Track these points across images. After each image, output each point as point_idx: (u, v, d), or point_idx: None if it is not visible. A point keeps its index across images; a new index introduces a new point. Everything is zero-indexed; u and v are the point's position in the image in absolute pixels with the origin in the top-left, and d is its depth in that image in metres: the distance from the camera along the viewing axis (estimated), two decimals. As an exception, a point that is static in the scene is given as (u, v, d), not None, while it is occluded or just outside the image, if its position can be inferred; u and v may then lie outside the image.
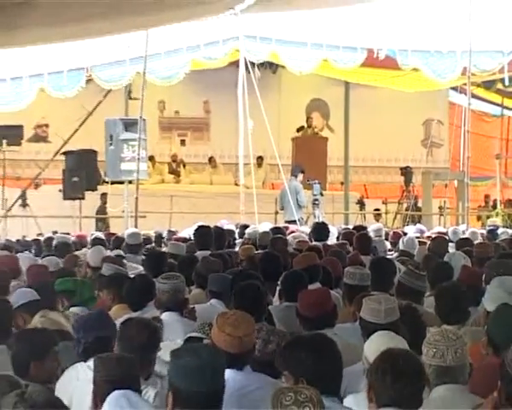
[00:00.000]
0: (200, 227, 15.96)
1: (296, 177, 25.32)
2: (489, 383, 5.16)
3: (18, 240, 18.63)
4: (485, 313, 7.93)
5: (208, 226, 16.23)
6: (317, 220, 23.30)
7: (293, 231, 18.93)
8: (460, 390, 5.81)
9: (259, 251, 13.96)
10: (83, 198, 25.56)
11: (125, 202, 24.72)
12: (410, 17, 24.04)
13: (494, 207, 32.40)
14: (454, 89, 31.60)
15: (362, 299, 7.76)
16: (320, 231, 17.47)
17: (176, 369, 5.14)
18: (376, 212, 31.25)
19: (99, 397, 5.22)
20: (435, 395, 5.86)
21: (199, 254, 13.27)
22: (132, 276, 10.65)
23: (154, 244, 17.23)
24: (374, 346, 6.20)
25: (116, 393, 4.62)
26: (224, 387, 5.33)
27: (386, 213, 30.79)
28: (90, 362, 5.98)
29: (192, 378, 5.11)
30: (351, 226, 21.87)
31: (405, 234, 18.52)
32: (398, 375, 5.26)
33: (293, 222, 23.47)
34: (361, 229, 18.35)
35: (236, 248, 16.06)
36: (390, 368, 5.30)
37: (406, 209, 30.51)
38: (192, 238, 16.52)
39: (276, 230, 18.32)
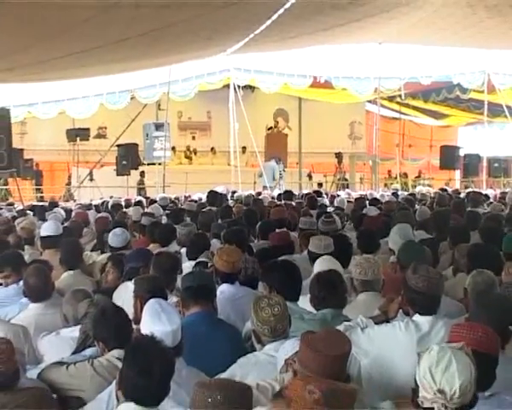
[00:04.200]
0: (211, 191, 16.21)
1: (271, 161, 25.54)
2: (395, 291, 5.16)
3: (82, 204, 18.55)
4: (389, 249, 8.04)
5: (216, 191, 16.55)
6: (281, 188, 23.36)
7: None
8: (375, 295, 5.86)
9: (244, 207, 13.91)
10: (129, 175, 25.47)
11: (156, 177, 24.81)
12: (341, 55, 23.98)
13: (395, 177, 32.46)
14: (369, 101, 31.61)
15: (309, 237, 7.83)
16: (288, 195, 17.64)
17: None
18: (319, 182, 31.16)
19: (140, 303, 5.18)
20: (359, 298, 5.96)
21: (208, 209, 13.23)
22: (162, 224, 10.64)
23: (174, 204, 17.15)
24: (318, 266, 6.34)
25: (152, 300, 4.59)
26: (213, 289, 5.62)
27: (326, 182, 30.72)
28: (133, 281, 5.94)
29: (186, 278, 5.58)
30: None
31: (338, 196, 18.53)
32: (326, 284, 5.44)
33: (265, 188, 23.65)
34: (314, 193, 18.47)
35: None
36: (321, 281, 5.50)
37: (338, 180, 30.48)
38: (200, 200, 16.59)
39: (256, 194, 18.59)
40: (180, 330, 4.41)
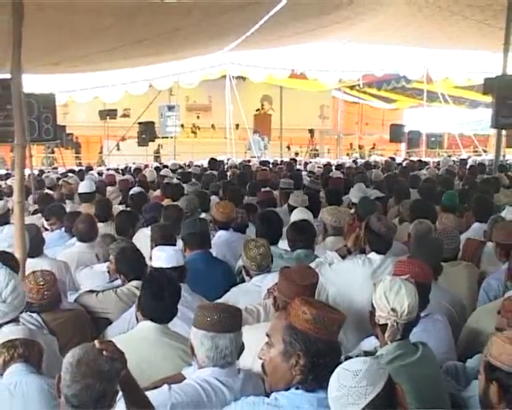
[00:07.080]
0: (211, 159, 16.13)
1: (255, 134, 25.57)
2: (351, 235, 5.16)
3: (111, 168, 18.47)
4: (351, 202, 8.03)
5: (215, 158, 16.42)
6: (264, 157, 23.36)
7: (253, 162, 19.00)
8: (339, 238, 5.85)
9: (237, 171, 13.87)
10: (148, 146, 25.39)
11: (169, 148, 24.78)
12: (313, 52, 23.82)
13: (355, 149, 32.44)
14: (335, 89, 31.37)
15: (289, 194, 7.86)
16: (264, 162, 17.61)
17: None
18: (296, 152, 31.08)
19: (155, 245, 5.17)
20: (328, 240, 5.97)
21: (209, 172, 13.18)
22: (173, 183, 10.59)
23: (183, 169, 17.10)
24: (295, 215, 6.32)
25: (157, 247, 4.62)
26: (208, 234, 5.57)
27: (301, 152, 30.64)
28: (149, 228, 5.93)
29: (187, 226, 5.50)
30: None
31: (310, 163, 18.53)
32: (298, 230, 5.44)
33: (254, 157, 23.60)
34: (291, 160, 18.51)
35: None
36: (294, 228, 5.48)
37: (311, 150, 30.42)
38: (203, 166, 16.54)
39: (246, 161, 18.52)
40: (181, 253, 4.50)
